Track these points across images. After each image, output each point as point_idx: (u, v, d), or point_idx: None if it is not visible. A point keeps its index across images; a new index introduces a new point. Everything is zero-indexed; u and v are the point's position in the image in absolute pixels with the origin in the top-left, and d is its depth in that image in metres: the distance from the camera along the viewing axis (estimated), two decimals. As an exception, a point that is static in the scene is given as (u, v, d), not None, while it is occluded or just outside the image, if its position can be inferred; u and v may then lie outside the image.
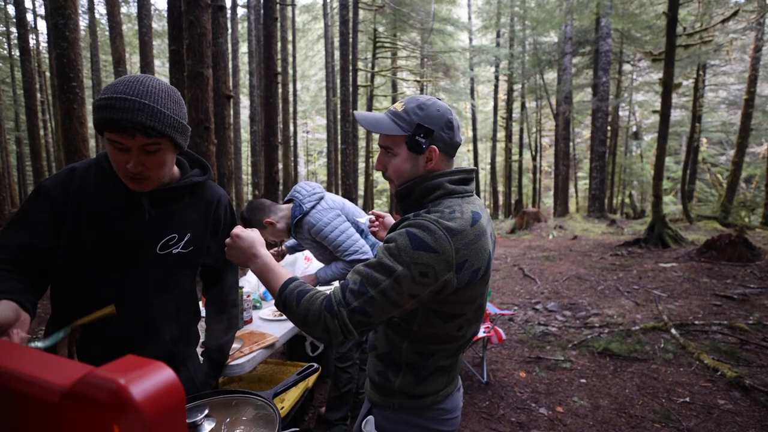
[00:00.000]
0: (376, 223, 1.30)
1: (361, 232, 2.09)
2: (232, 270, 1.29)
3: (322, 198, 2.00)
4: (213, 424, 0.73)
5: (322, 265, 2.43)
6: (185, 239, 1.07)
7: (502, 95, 20.23)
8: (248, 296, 2.01)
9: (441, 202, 0.92)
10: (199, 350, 1.27)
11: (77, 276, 0.99)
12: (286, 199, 2.06)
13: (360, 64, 14.19)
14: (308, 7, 19.75)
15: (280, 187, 11.18)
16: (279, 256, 2.21)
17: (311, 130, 28.31)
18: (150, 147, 0.89)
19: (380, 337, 1.01)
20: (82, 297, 0.99)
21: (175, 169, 1.07)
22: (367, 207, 14.96)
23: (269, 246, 7.72)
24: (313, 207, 1.94)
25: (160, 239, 1.03)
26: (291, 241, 2.41)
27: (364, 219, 1.16)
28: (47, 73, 13.94)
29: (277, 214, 1.97)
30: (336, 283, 2.05)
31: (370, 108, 16.07)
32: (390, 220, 1.31)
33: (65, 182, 0.97)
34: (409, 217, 0.89)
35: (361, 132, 15.75)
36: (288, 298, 0.87)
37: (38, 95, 12.91)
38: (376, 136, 20.82)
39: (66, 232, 0.96)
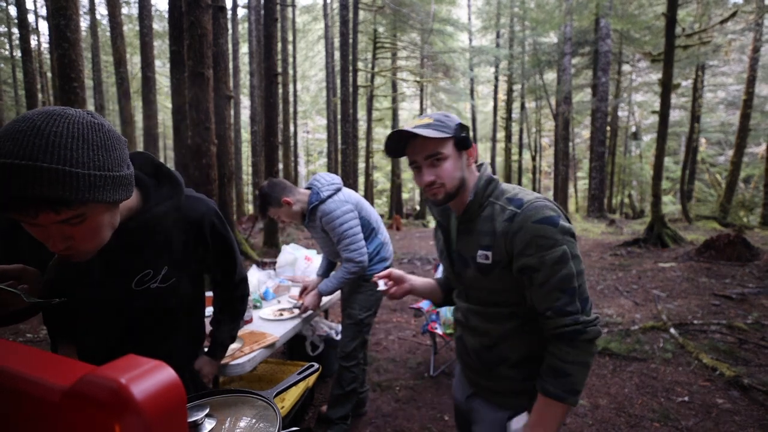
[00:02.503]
0: (389, 282, 1.16)
1: (372, 231, 2.12)
2: (238, 268, 1.22)
3: (339, 190, 2.04)
4: (213, 424, 0.74)
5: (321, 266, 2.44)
6: (162, 273, 0.95)
7: (502, 95, 20.23)
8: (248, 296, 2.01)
9: (501, 190, 1.01)
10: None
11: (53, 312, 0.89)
12: (306, 186, 2.09)
13: (360, 65, 14.20)
14: (308, 7, 19.74)
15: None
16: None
17: (311, 130, 28.30)
18: (71, 221, 0.67)
19: (511, 344, 1.01)
20: (61, 327, 0.91)
21: (134, 196, 0.87)
22: (367, 207, 14.90)
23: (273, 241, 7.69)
24: (329, 197, 1.98)
25: (134, 276, 0.91)
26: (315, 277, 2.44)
27: (380, 285, 1.13)
28: (49, 74, 13.95)
29: (295, 196, 2.00)
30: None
31: (370, 108, 16.08)
32: (397, 272, 1.17)
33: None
34: (492, 213, 0.97)
35: (361, 132, 15.76)
36: (575, 381, 0.89)
37: (40, 96, 12.91)
38: (376, 137, 20.83)
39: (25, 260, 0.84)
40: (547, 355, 0.92)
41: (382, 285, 1.10)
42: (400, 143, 1.00)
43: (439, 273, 1.31)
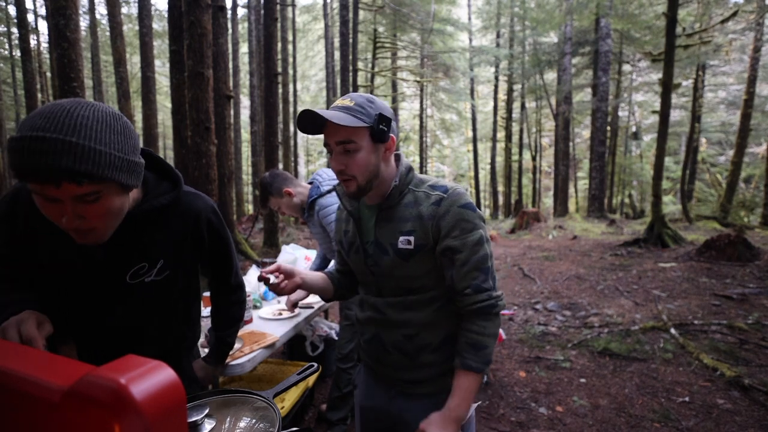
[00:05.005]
0: (280, 276, 1.05)
1: None
2: (233, 272, 1.20)
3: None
4: (213, 424, 0.74)
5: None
6: (158, 266, 0.95)
7: (502, 95, 20.23)
8: (248, 296, 2.01)
9: (418, 179, 1.03)
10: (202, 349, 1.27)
11: (47, 304, 0.90)
12: (308, 181, 2.10)
13: (360, 65, 14.19)
14: (308, 7, 19.74)
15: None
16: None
17: (311, 130, 28.26)
18: (87, 197, 0.72)
19: (432, 329, 1.02)
20: (58, 324, 0.89)
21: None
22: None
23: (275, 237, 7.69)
24: (329, 191, 1.99)
25: (128, 269, 0.92)
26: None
27: (271, 279, 1.02)
28: (48, 74, 13.94)
29: (296, 188, 2.02)
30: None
31: (370, 108, 16.03)
32: (286, 266, 1.06)
33: (12, 203, 0.87)
34: (416, 199, 0.99)
35: (361, 132, 15.71)
36: (490, 352, 0.95)
37: (39, 96, 12.91)
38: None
39: (24, 256, 0.87)
40: (463, 332, 0.97)
41: (273, 279, 1.03)
42: (317, 121, 0.93)
43: (331, 267, 1.28)
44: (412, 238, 0.97)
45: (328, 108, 1.04)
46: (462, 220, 0.94)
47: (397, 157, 1.06)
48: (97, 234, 0.79)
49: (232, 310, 1.24)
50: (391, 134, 0.97)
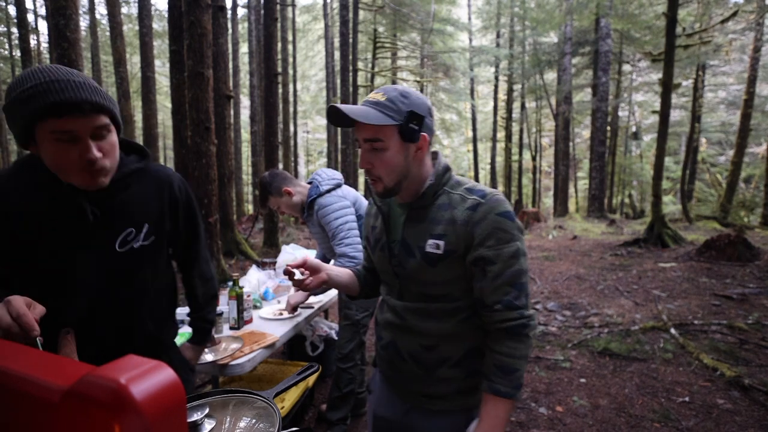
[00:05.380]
0: (306, 272, 1.00)
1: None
2: (203, 244, 1.23)
3: (339, 186, 2.05)
4: (213, 424, 0.74)
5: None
6: (144, 231, 1.00)
7: (502, 95, 20.22)
8: (248, 296, 2.01)
9: (456, 181, 0.97)
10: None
11: (38, 292, 0.88)
12: (308, 181, 2.10)
13: (360, 64, 14.19)
14: (308, 7, 19.74)
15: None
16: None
17: (311, 130, 28.30)
18: (102, 130, 0.84)
19: (453, 342, 0.96)
20: (52, 309, 0.89)
21: None
22: (367, 207, 14.89)
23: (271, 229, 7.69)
24: (329, 191, 1.99)
25: (117, 236, 0.96)
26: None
27: (296, 274, 0.99)
28: (47, 74, 13.92)
29: (295, 187, 2.02)
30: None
31: (370, 108, 16.02)
32: (313, 261, 1.02)
33: None
34: (453, 202, 0.92)
35: (361, 132, 15.71)
36: (521, 375, 0.89)
37: (38, 95, 12.86)
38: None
39: (7, 247, 0.88)
40: (490, 353, 0.90)
41: (298, 274, 0.98)
42: (347, 116, 0.87)
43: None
44: (441, 243, 0.91)
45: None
46: (499, 229, 0.88)
47: (434, 155, 1.00)
48: (106, 172, 0.88)
49: (207, 286, 1.26)
50: (424, 132, 0.90)
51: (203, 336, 1.28)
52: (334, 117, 0.89)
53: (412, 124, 0.87)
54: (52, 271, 0.92)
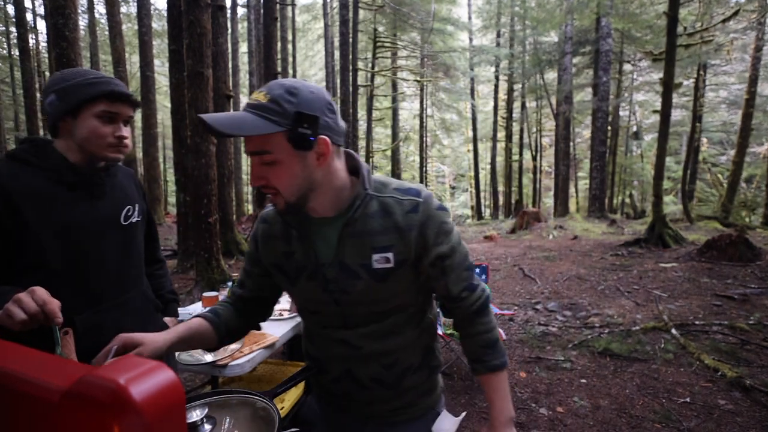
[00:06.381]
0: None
1: None
2: (155, 228, 1.42)
3: None
4: (213, 424, 0.73)
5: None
6: (136, 209, 1.20)
7: (502, 95, 20.23)
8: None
9: (379, 182, 0.87)
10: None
11: (56, 275, 1.00)
12: None
13: (360, 64, 14.19)
14: (308, 7, 19.75)
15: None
16: None
17: (311, 129, 28.29)
18: (130, 119, 1.10)
19: (411, 350, 0.93)
20: (70, 290, 0.99)
21: None
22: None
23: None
24: None
25: (121, 211, 1.16)
26: None
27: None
28: (47, 73, 13.95)
29: None
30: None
31: (370, 108, 16.08)
32: (126, 340, 0.73)
33: None
34: (386, 206, 0.83)
35: (361, 132, 15.75)
36: (500, 342, 0.93)
37: (38, 95, 12.91)
38: (376, 137, 20.82)
39: (13, 237, 0.96)
40: (470, 338, 0.92)
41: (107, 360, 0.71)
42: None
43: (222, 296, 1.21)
44: (390, 255, 0.81)
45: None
46: (442, 223, 0.85)
47: (349, 157, 0.86)
48: (126, 151, 1.11)
49: (164, 265, 1.47)
50: (323, 134, 0.74)
51: (174, 308, 1.46)
52: (210, 129, 0.71)
53: (302, 128, 0.71)
54: (66, 251, 1.03)
